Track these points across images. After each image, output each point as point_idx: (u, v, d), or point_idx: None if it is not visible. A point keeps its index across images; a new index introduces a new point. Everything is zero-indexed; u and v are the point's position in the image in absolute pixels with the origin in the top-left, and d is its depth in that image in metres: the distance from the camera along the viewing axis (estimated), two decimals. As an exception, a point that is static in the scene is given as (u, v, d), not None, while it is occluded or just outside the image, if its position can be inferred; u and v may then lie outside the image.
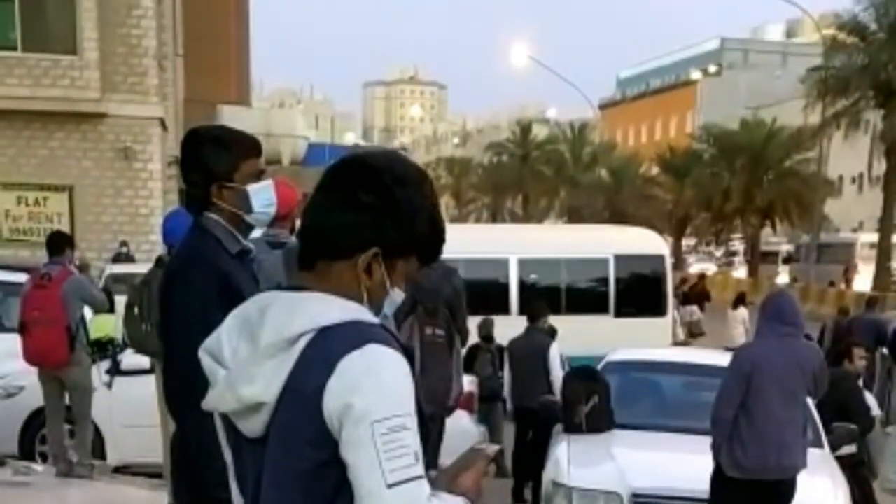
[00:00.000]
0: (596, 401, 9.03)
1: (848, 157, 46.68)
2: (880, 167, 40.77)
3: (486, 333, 13.87)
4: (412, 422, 2.07)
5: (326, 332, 2.11)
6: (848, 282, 41.97)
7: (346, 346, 2.08)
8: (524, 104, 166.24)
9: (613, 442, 8.70)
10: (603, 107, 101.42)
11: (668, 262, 19.45)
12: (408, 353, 2.16)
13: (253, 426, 2.17)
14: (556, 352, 11.80)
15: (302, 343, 2.11)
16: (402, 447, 2.04)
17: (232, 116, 31.93)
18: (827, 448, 8.67)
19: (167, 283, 3.91)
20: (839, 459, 8.61)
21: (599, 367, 10.20)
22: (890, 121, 39.58)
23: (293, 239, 4.86)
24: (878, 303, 19.83)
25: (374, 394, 2.04)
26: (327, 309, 2.14)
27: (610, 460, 8.25)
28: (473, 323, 10.41)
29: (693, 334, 25.39)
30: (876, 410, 10.60)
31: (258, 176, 3.97)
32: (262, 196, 3.96)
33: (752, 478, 7.15)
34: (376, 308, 2.25)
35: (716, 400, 7.35)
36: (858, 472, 8.88)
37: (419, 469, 2.07)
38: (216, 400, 2.22)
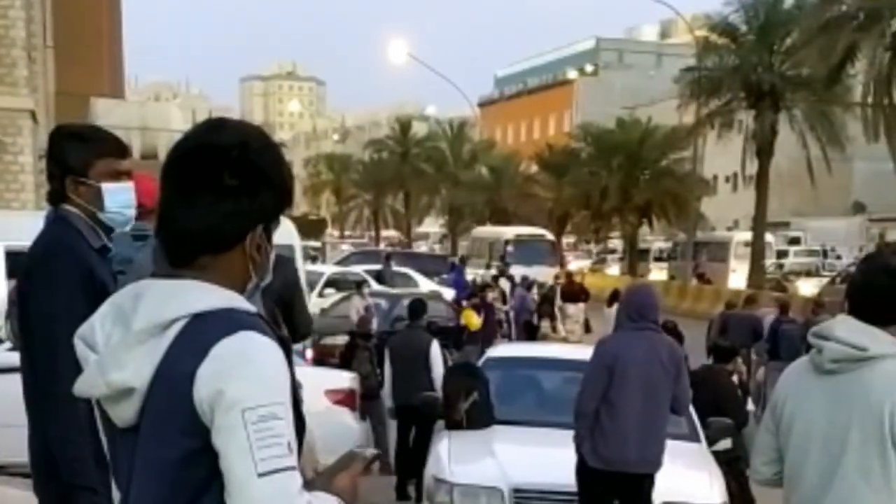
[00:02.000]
0: (476, 397, 9.06)
1: (722, 156, 47.63)
2: (753, 167, 41.68)
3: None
4: (285, 411, 2.02)
5: (200, 319, 2.06)
6: (700, 277, 43.07)
7: (218, 332, 2.03)
8: (403, 101, 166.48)
9: (494, 438, 8.74)
10: (482, 105, 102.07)
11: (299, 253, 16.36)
12: (283, 343, 2.11)
13: (124, 414, 2.11)
14: (437, 349, 11.81)
15: (175, 329, 2.06)
16: (273, 436, 1.98)
17: (106, 110, 31.38)
18: (704, 443, 8.82)
19: (28, 272, 3.82)
20: (716, 454, 8.76)
21: (479, 363, 10.25)
22: (761, 121, 40.43)
23: None
24: (755, 300, 20.28)
25: (245, 380, 2.00)
26: (202, 296, 2.09)
27: (491, 456, 8.29)
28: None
29: (588, 330, 25.62)
30: (751, 405, 10.83)
31: (116, 176, 3.93)
32: (120, 197, 3.92)
33: (613, 470, 7.23)
34: (261, 276, 2.22)
35: (578, 393, 7.44)
36: (735, 467, 9.05)
37: (292, 460, 2.01)
38: (87, 385, 2.15)
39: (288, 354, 2.11)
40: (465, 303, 22.55)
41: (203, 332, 2.04)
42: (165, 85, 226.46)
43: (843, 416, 3.83)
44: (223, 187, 2.13)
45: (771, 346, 16.05)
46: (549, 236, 45.81)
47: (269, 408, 1.99)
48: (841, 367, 3.87)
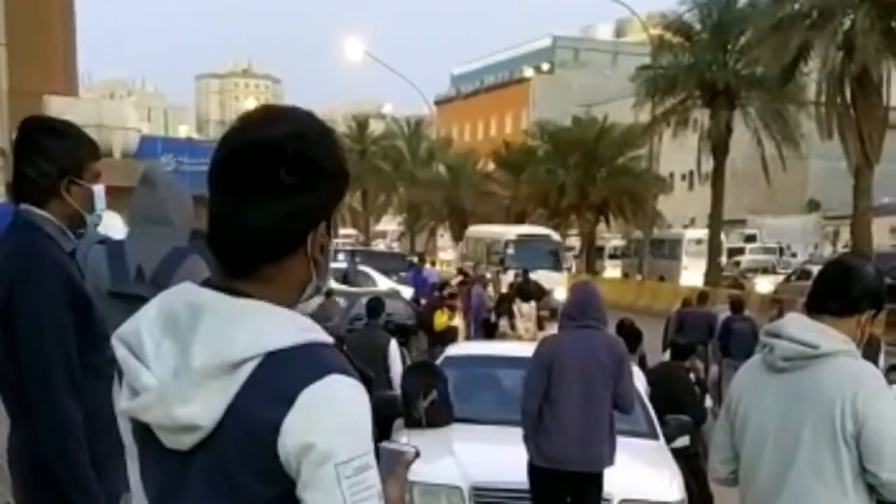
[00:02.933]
0: (435, 395, 9.08)
1: (678, 154, 47.88)
2: (709, 165, 41.93)
3: None
4: (373, 458, 1.93)
5: (276, 357, 1.90)
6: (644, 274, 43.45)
7: (303, 376, 1.89)
8: (360, 99, 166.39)
9: (454, 436, 8.76)
10: (438, 103, 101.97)
11: None
12: (365, 378, 1.99)
13: (180, 442, 1.96)
14: (395, 348, 11.82)
15: (249, 367, 1.91)
16: (367, 488, 1.90)
17: (60, 107, 31.03)
18: (662, 440, 8.88)
19: (10, 283, 3.65)
20: (674, 451, 8.82)
21: (438, 361, 10.28)
22: (716, 120, 40.70)
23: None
24: (710, 297, 20.42)
25: (337, 432, 1.88)
26: (275, 327, 1.93)
27: (450, 455, 8.31)
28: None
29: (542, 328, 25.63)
30: (709, 402, 10.92)
31: (97, 178, 3.86)
32: (102, 199, 3.87)
33: (557, 468, 7.27)
34: (324, 277, 2.07)
35: (523, 391, 7.47)
36: (693, 463, 9.11)
37: None
38: (141, 411, 1.99)
39: (368, 387, 2.00)
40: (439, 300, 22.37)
41: (284, 374, 1.90)
42: (120, 82, 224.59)
43: (796, 414, 3.89)
44: (281, 186, 1.96)
45: (723, 344, 16.19)
46: (555, 236, 41.76)
47: (361, 459, 1.89)
48: (793, 365, 3.93)
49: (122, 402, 2.03)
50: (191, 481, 1.97)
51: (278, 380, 1.89)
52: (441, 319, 19.53)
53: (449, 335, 18.02)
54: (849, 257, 4.30)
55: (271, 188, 1.95)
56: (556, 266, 37.11)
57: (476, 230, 46.45)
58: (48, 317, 3.48)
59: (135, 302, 3.94)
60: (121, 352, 2.02)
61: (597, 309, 7.46)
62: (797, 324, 4.02)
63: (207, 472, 1.95)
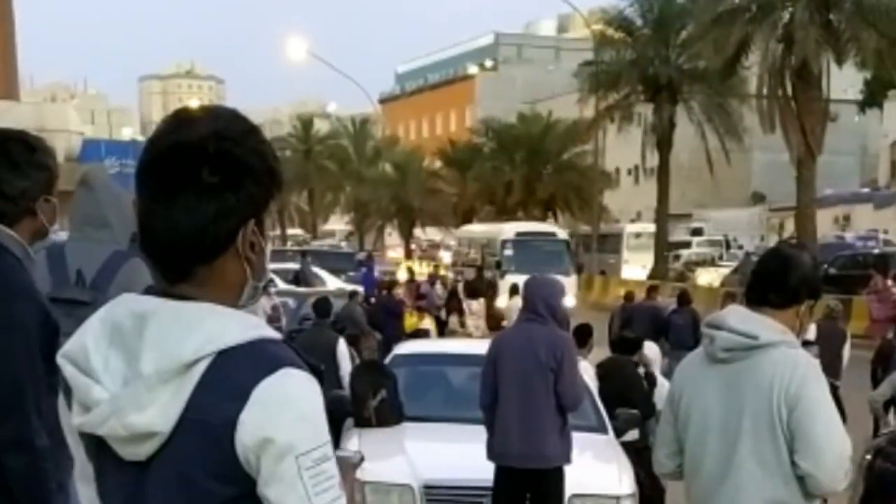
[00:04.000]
0: (384, 394, 9.07)
1: (623, 149, 48.17)
2: (654, 159, 42.19)
3: None
4: (331, 449, 1.94)
5: (227, 355, 1.90)
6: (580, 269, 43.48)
7: (255, 372, 1.89)
8: (304, 99, 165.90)
9: (404, 435, 8.77)
10: (383, 101, 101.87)
11: None
12: (316, 371, 1.99)
13: (138, 451, 1.95)
14: (344, 347, 11.80)
15: (200, 368, 1.90)
16: (328, 478, 1.90)
17: (0, 112, 30.70)
18: (612, 434, 8.92)
19: None
20: (624, 445, 8.86)
21: (387, 360, 10.27)
22: (659, 114, 41.03)
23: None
24: (657, 291, 20.55)
25: (294, 425, 1.88)
26: (223, 326, 1.93)
27: (401, 453, 8.31)
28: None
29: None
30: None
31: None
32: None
33: (504, 464, 7.28)
34: (260, 278, 2.06)
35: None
36: (643, 457, 9.15)
37: (344, 499, 1.95)
38: (96, 425, 1.96)
39: (320, 379, 1.99)
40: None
41: (236, 371, 1.89)
42: (62, 85, 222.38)
43: (737, 405, 3.93)
44: (204, 186, 1.95)
45: (665, 337, 16.34)
46: (562, 234, 36.18)
47: (320, 449, 1.90)
48: (733, 356, 3.96)
49: (75, 419, 2.01)
50: (150, 490, 1.96)
51: (231, 377, 1.89)
52: (411, 321, 19.45)
53: (419, 337, 18.03)
54: (786, 247, 4.32)
55: (196, 189, 1.95)
56: (564, 269, 31.11)
57: (469, 229, 42.74)
58: (22, 348, 3.37)
59: (75, 307, 3.91)
60: (68, 370, 2.01)
61: (545, 302, 7.39)
62: (737, 315, 4.05)
63: (166, 478, 1.93)
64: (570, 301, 27.65)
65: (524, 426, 7.18)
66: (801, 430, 3.81)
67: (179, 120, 2.04)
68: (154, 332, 1.93)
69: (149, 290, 2.02)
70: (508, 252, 33.24)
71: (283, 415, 1.88)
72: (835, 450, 3.82)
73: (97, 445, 2.01)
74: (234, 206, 1.98)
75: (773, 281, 4.04)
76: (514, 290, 22.91)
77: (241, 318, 1.97)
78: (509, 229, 35.51)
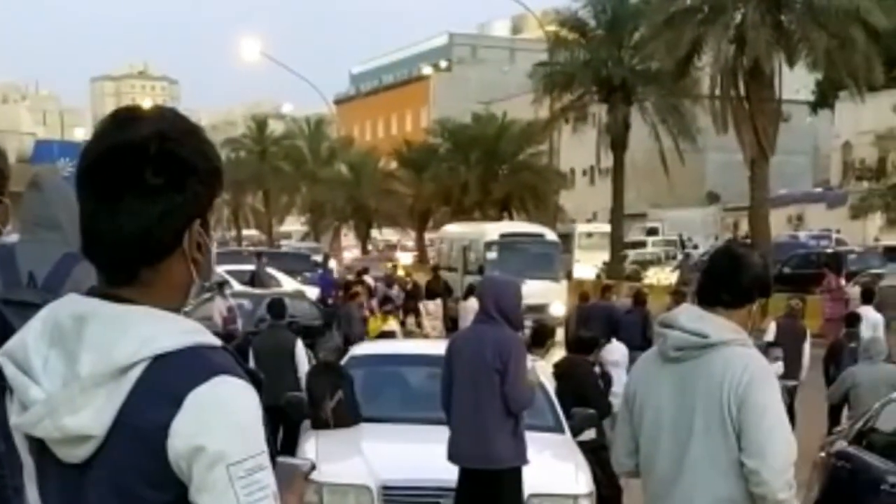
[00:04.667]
0: (341, 396, 9.07)
1: (578, 149, 48.31)
2: (608, 159, 42.35)
3: None
4: (267, 458, 1.90)
5: (163, 360, 1.88)
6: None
7: (190, 378, 1.86)
8: (259, 100, 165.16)
9: (361, 436, 8.78)
10: (338, 102, 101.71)
11: None
12: (253, 378, 1.97)
13: (74, 454, 1.92)
14: (301, 348, 11.79)
15: (136, 372, 1.88)
16: (261, 489, 1.87)
17: (-49, 114, 30.42)
18: (568, 433, 8.95)
19: None
20: (581, 444, 8.90)
21: (343, 361, 10.27)
22: (613, 115, 41.18)
23: None
24: (612, 290, 20.64)
25: (227, 433, 1.85)
26: (160, 331, 1.91)
27: (358, 454, 8.33)
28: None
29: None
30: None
31: None
32: None
33: (457, 464, 7.28)
34: (205, 277, 2.04)
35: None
36: (600, 456, 9.19)
37: None
38: (31, 425, 1.94)
39: (258, 388, 1.96)
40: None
41: (171, 377, 1.87)
42: (13, 86, 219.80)
43: (689, 403, 3.96)
44: (148, 188, 1.93)
45: (617, 337, 16.44)
46: (551, 236, 33.09)
47: (254, 459, 1.86)
48: (684, 355, 3.99)
49: (13, 418, 2.00)
50: (87, 493, 1.94)
51: (165, 383, 1.87)
52: (376, 325, 19.35)
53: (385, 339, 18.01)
54: (736, 247, 4.36)
55: (140, 190, 1.93)
56: (553, 273, 29.31)
57: (451, 229, 38.79)
58: None
59: (28, 309, 3.87)
60: (9, 369, 1.98)
61: (497, 303, 7.36)
62: (688, 314, 4.09)
63: (102, 482, 1.91)
64: (559, 309, 26.76)
65: (473, 427, 7.16)
66: (747, 429, 3.84)
67: (120, 120, 2.02)
68: (92, 333, 1.91)
69: (91, 292, 2.00)
70: (492, 255, 30.34)
71: (216, 422, 1.85)
72: (779, 451, 3.84)
73: (39, 446, 1.99)
74: (179, 206, 1.96)
75: (725, 281, 4.07)
76: (469, 290, 22.89)
77: (180, 323, 1.95)
78: (493, 230, 33.00)
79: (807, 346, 14.64)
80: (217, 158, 2.05)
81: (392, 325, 19.41)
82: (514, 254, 29.78)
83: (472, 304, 21.90)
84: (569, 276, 25.03)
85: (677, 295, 18.01)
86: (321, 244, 59.88)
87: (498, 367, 7.10)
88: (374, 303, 25.25)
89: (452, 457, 7.31)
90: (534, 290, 22.70)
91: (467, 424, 7.19)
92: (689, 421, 3.95)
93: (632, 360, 16.11)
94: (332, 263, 38.37)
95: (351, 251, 62.08)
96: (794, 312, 14.98)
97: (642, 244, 51.11)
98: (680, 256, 44.86)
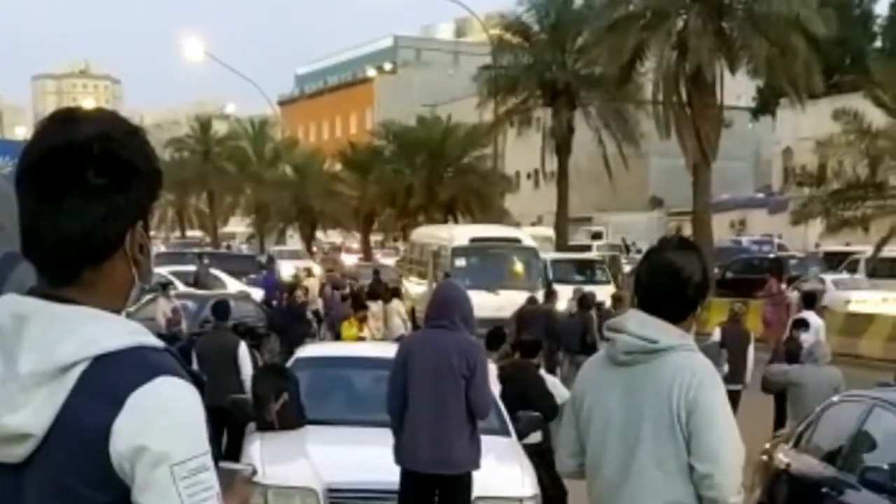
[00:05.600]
0: (286, 398, 9.05)
1: (523, 153, 48.44)
2: (553, 163, 42.47)
3: None
4: (210, 459, 1.90)
5: (104, 361, 1.87)
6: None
7: (132, 378, 1.86)
8: (203, 100, 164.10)
9: (307, 438, 8.77)
10: (283, 103, 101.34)
11: None
12: (195, 379, 1.97)
13: (12, 454, 1.91)
14: (245, 350, 11.76)
15: (76, 372, 1.86)
16: (205, 489, 1.87)
17: None
18: (514, 436, 8.99)
19: None
20: (526, 447, 8.95)
21: (289, 363, 10.27)
22: (557, 119, 41.24)
23: None
24: (556, 295, 20.73)
25: (169, 433, 1.85)
26: (102, 331, 1.90)
27: (304, 457, 8.31)
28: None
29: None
30: (562, 398, 11.06)
31: None
32: None
33: (413, 469, 7.25)
34: (146, 278, 2.04)
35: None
36: (546, 458, 9.26)
37: None
38: None
39: (200, 389, 1.96)
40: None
41: (113, 377, 1.86)
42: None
43: (637, 407, 3.99)
44: (91, 188, 1.92)
45: (558, 342, 16.60)
46: (528, 241, 29.14)
47: (197, 459, 1.86)
48: (633, 359, 4.02)
49: None
50: (26, 494, 1.92)
51: (107, 383, 1.86)
52: (350, 332, 19.22)
53: None
54: (674, 258, 4.23)
55: (82, 190, 1.93)
56: (531, 283, 25.30)
57: (424, 232, 34.71)
58: None
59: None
60: None
61: (455, 309, 7.39)
62: (636, 319, 4.13)
63: (41, 482, 1.90)
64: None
65: (435, 432, 7.15)
66: (697, 434, 3.87)
67: (62, 121, 2.01)
68: (33, 333, 1.90)
69: (32, 292, 1.99)
70: (460, 262, 26.64)
71: (159, 423, 1.85)
72: (730, 456, 3.89)
73: None
74: (122, 207, 1.95)
75: (668, 298, 4.08)
76: (394, 292, 22.90)
77: (122, 323, 1.95)
78: (462, 234, 29.33)
79: (751, 350, 14.87)
80: (156, 159, 2.06)
81: (365, 332, 19.31)
82: (486, 261, 26.89)
83: (396, 306, 22.14)
84: (549, 286, 23.03)
85: (617, 300, 18.19)
86: (246, 246, 59.37)
87: (464, 372, 7.12)
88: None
89: (407, 461, 7.28)
90: (509, 300, 21.29)
91: (427, 429, 7.17)
92: (637, 425, 3.98)
93: (571, 364, 16.28)
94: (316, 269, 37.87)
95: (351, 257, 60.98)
96: (737, 317, 15.19)
97: (587, 248, 51.35)
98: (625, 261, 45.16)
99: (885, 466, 7.27)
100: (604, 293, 24.04)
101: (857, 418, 8.32)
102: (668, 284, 4.09)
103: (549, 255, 31.45)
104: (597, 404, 4.14)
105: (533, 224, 57.84)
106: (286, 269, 35.81)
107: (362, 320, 19.67)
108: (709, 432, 3.87)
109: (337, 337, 22.77)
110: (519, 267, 27.03)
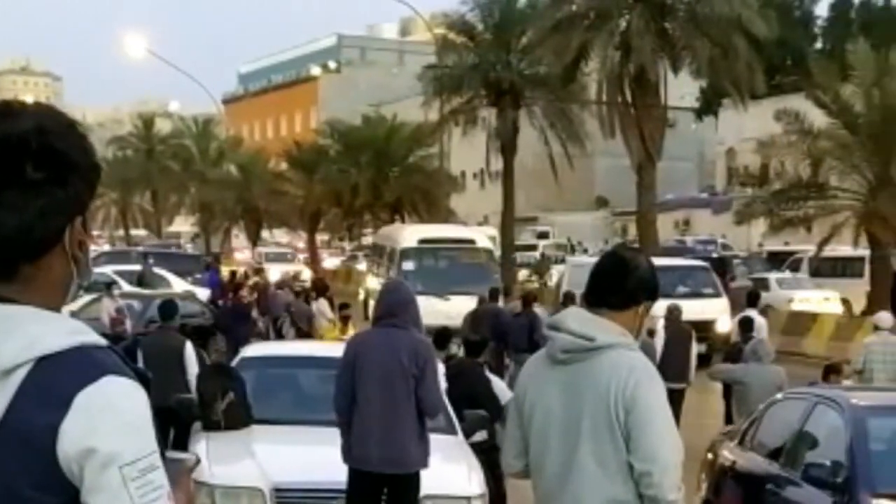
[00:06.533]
0: (232, 397, 9.01)
1: (468, 153, 48.46)
2: (498, 163, 42.54)
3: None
4: (159, 458, 1.88)
5: (48, 362, 1.83)
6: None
7: (77, 379, 1.83)
8: (145, 98, 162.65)
9: (253, 438, 8.73)
10: (227, 102, 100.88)
11: None
12: (141, 377, 1.93)
13: None
14: (191, 350, 11.70)
15: (20, 374, 1.83)
16: (155, 489, 1.85)
17: None
18: (461, 435, 9.01)
19: None
20: (473, 446, 8.97)
21: (234, 363, 10.22)
22: (503, 118, 41.31)
23: None
24: (500, 293, 20.76)
25: (118, 434, 1.82)
26: (44, 331, 1.86)
27: (250, 456, 8.28)
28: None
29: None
30: (505, 399, 11.11)
31: None
32: None
33: (362, 468, 7.24)
34: (85, 275, 2.00)
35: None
36: (492, 457, 9.29)
37: None
38: None
39: (147, 388, 1.93)
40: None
41: (57, 378, 1.83)
42: None
43: (577, 405, 4.01)
44: (28, 182, 1.88)
45: (505, 341, 16.65)
46: (483, 242, 27.43)
47: (146, 459, 1.84)
48: (572, 357, 4.04)
49: None
50: None
51: (52, 384, 1.82)
52: (333, 333, 19.08)
53: None
54: (623, 251, 4.46)
55: (20, 185, 1.88)
56: (486, 288, 20.83)
57: (384, 233, 33.74)
58: None
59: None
60: None
61: (405, 308, 7.40)
62: (575, 317, 4.16)
63: None
64: (725, 324, 21.97)
65: (385, 431, 7.14)
66: (635, 433, 3.89)
67: None
68: None
69: None
70: (408, 265, 25.09)
71: (107, 424, 1.82)
72: (668, 454, 3.91)
73: None
74: (61, 202, 1.91)
75: (610, 284, 4.13)
76: (321, 290, 23.08)
77: (65, 322, 1.92)
78: (410, 235, 27.42)
79: (693, 348, 15.01)
80: (95, 154, 2.01)
81: (350, 333, 19.17)
82: (437, 263, 25.65)
83: (321, 304, 22.26)
84: (506, 290, 21.56)
85: (567, 299, 18.26)
86: (191, 245, 59.05)
87: (415, 372, 7.13)
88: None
89: (356, 460, 7.26)
90: (456, 307, 19.99)
91: (377, 428, 7.16)
92: (577, 423, 3.99)
93: (518, 363, 16.34)
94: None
95: (242, 252, 60.93)
96: (675, 316, 15.31)
97: (533, 248, 51.53)
98: (567, 258, 45.41)
99: (828, 463, 7.35)
100: (713, 309, 22.34)
101: (800, 416, 8.41)
102: (611, 271, 4.17)
103: None
104: (538, 403, 4.15)
105: (479, 224, 58.02)
106: (274, 275, 35.44)
107: (345, 320, 19.59)
108: (647, 430, 3.89)
109: (279, 335, 22.73)
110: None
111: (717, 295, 24.80)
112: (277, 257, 50.39)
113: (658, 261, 24.62)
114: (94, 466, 1.81)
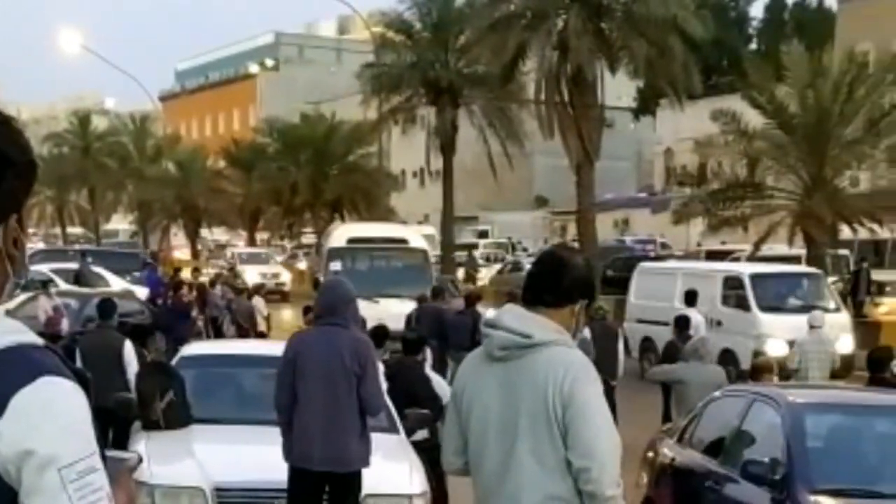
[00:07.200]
0: (171, 396, 8.96)
1: (408, 151, 48.54)
2: (438, 162, 42.57)
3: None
4: (99, 459, 1.87)
5: None
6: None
7: (14, 380, 1.81)
8: (81, 95, 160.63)
9: (193, 437, 8.70)
10: (163, 99, 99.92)
11: None
12: (82, 379, 1.92)
13: None
14: (130, 349, 11.61)
15: None
16: (94, 491, 1.83)
17: None
18: (402, 433, 9.03)
19: None
20: (415, 444, 8.98)
21: (174, 361, 10.17)
22: (442, 117, 41.33)
23: None
24: (443, 293, 20.77)
25: (56, 436, 1.80)
26: None
27: (190, 456, 8.25)
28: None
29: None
30: (446, 397, 11.13)
31: None
32: None
33: (303, 467, 7.24)
34: (20, 274, 1.99)
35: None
36: (433, 456, 9.30)
37: None
38: None
39: (86, 388, 1.91)
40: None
41: None
42: None
43: (514, 402, 4.04)
44: None
45: (446, 339, 16.70)
46: (417, 241, 25.83)
47: (85, 461, 1.82)
48: (509, 354, 4.08)
49: None
50: None
51: None
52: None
53: None
54: (560, 249, 4.51)
55: None
56: (421, 291, 19.97)
57: (327, 231, 32.75)
58: None
59: None
60: None
61: (346, 307, 7.41)
62: (512, 314, 4.19)
63: None
64: (847, 344, 19.67)
65: (327, 430, 7.15)
66: (573, 429, 3.92)
67: None
68: None
69: None
70: (336, 266, 23.65)
71: (45, 425, 1.79)
72: (606, 449, 3.94)
73: None
74: None
75: (547, 282, 4.17)
76: (256, 288, 23.30)
77: (1, 322, 1.90)
78: (339, 234, 26.16)
79: (620, 346, 15.16)
80: (31, 151, 1.97)
81: None
82: (366, 265, 24.38)
83: (257, 301, 22.51)
84: (435, 293, 19.97)
85: (510, 297, 18.33)
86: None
87: (356, 370, 7.14)
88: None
89: (298, 459, 7.26)
90: (386, 311, 18.61)
91: (319, 427, 7.15)
92: (514, 420, 4.02)
93: (459, 362, 16.32)
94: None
95: (181, 251, 60.35)
96: (600, 315, 15.36)
97: (474, 247, 51.60)
98: (510, 258, 45.58)
99: (766, 460, 7.44)
100: (836, 325, 18.39)
101: (739, 413, 8.51)
102: (548, 269, 4.22)
103: (746, 268, 22.81)
104: (476, 400, 4.18)
105: (419, 223, 58.07)
106: (251, 276, 34.60)
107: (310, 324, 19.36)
108: (585, 427, 3.92)
109: (217, 334, 22.63)
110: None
111: (836, 309, 20.60)
112: (252, 258, 48.69)
113: (762, 268, 22.66)
114: (32, 469, 1.78)
